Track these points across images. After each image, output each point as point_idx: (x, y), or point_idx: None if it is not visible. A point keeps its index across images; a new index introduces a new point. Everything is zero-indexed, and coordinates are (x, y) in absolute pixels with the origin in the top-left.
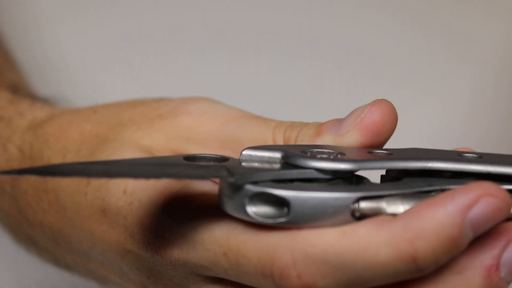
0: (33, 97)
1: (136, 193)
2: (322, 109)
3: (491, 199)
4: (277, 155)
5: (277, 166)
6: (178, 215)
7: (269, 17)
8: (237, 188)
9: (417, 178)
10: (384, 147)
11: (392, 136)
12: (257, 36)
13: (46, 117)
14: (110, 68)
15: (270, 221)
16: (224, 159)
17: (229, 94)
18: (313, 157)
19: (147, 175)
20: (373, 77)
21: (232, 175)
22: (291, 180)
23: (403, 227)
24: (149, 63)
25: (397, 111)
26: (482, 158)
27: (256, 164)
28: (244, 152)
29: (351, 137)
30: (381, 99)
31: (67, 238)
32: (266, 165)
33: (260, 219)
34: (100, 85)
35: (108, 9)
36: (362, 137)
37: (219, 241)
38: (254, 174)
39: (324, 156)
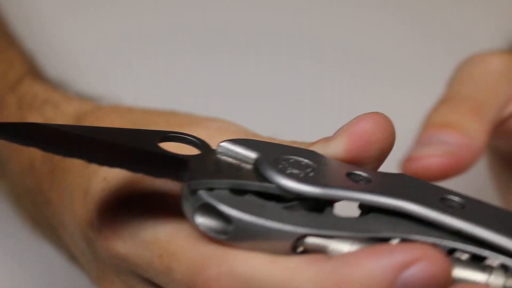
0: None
1: (111, 181)
2: (319, 108)
3: (428, 265)
4: (252, 155)
5: (249, 167)
6: (132, 208)
7: (266, 17)
8: (192, 192)
9: (384, 217)
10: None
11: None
12: (256, 37)
13: (91, 109)
14: (111, 69)
15: (212, 234)
16: (203, 144)
17: (229, 94)
18: (282, 171)
19: (101, 162)
20: (367, 77)
21: (190, 178)
22: (250, 192)
23: (333, 269)
24: (150, 63)
25: (394, 114)
26: (464, 208)
27: (229, 159)
28: (221, 144)
29: (338, 143)
30: (376, 112)
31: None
32: (239, 163)
33: (204, 230)
34: (103, 84)
35: (109, 9)
36: (349, 144)
37: (159, 242)
38: (212, 181)
39: (294, 171)
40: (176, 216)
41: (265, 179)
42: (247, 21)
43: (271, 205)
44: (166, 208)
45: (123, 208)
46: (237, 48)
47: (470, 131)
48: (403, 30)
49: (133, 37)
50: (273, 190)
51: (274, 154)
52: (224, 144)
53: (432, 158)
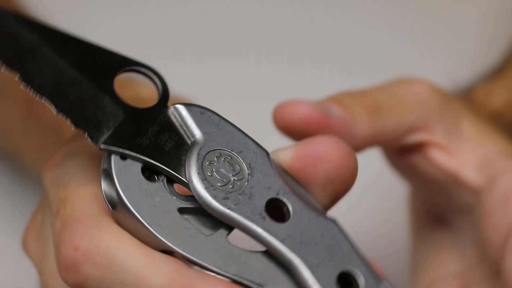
0: None
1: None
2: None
3: None
4: (196, 134)
5: (184, 144)
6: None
7: (264, 18)
8: (108, 153)
9: (272, 264)
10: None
11: None
12: (253, 37)
13: None
14: None
15: (106, 201)
16: (164, 93)
17: (228, 94)
18: (203, 171)
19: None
20: (344, 67)
21: (105, 140)
22: (163, 174)
23: (189, 275)
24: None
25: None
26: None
27: (175, 125)
28: (176, 106)
29: (289, 149)
30: (338, 139)
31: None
32: (181, 133)
33: (104, 193)
34: None
35: (109, 10)
36: (298, 152)
37: (69, 187)
38: (126, 151)
39: (216, 177)
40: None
41: (183, 168)
42: (244, 21)
43: (166, 199)
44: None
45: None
46: (233, 48)
47: (355, 115)
48: (377, 20)
49: (133, 38)
50: (183, 182)
51: (216, 142)
52: (178, 106)
53: (304, 106)
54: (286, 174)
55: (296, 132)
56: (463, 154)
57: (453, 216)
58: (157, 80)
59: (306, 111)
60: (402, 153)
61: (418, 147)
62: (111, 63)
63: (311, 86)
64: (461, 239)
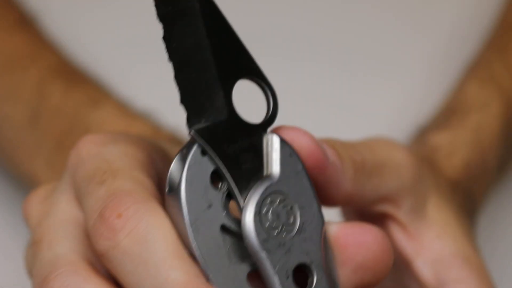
0: None
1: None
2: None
3: None
4: (275, 171)
5: (264, 173)
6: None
7: (262, 18)
8: (191, 139)
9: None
10: None
11: (356, 116)
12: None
13: None
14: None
15: (167, 181)
16: (273, 112)
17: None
18: (258, 205)
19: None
20: (326, 62)
21: (198, 130)
22: (224, 185)
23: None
24: (164, 70)
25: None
26: None
27: (263, 152)
28: (274, 136)
29: (332, 227)
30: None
31: None
32: (264, 161)
33: (168, 173)
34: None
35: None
36: (339, 235)
37: (114, 162)
38: (208, 147)
39: (265, 211)
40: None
41: (246, 193)
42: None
43: (217, 210)
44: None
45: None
46: None
47: (345, 166)
48: (352, 12)
49: (138, 40)
50: (239, 205)
51: (287, 187)
52: (274, 138)
53: (309, 138)
54: (328, 248)
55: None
56: (422, 241)
57: None
58: (271, 102)
59: (310, 144)
60: (364, 220)
61: (381, 219)
62: (243, 65)
63: (307, 85)
64: None
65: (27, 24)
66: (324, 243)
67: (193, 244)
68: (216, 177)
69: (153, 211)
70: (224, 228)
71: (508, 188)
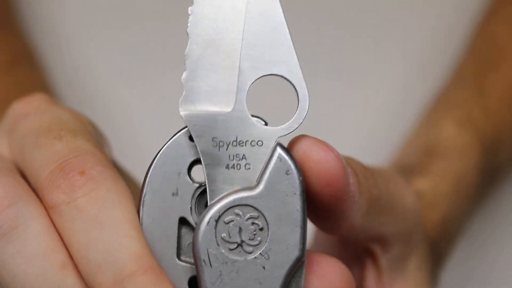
0: None
1: None
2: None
3: None
4: (261, 186)
5: (252, 183)
6: None
7: None
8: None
9: None
10: None
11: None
12: None
13: None
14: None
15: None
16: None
17: None
18: (222, 213)
19: None
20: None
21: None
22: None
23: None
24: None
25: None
26: None
27: (263, 159)
28: (281, 151)
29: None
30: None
31: None
32: (259, 169)
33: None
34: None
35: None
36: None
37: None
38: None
39: (226, 220)
40: None
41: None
42: None
43: (183, 201)
44: None
45: None
46: None
47: (361, 201)
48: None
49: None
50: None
51: (267, 207)
52: (280, 151)
53: (336, 161)
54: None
55: (310, 173)
56: None
57: None
58: (299, 110)
59: (335, 169)
60: (346, 249)
61: (363, 254)
62: (279, 61)
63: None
64: None
65: (18, 66)
66: (295, 277)
67: (141, 217)
68: (196, 166)
69: (115, 177)
70: (184, 221)
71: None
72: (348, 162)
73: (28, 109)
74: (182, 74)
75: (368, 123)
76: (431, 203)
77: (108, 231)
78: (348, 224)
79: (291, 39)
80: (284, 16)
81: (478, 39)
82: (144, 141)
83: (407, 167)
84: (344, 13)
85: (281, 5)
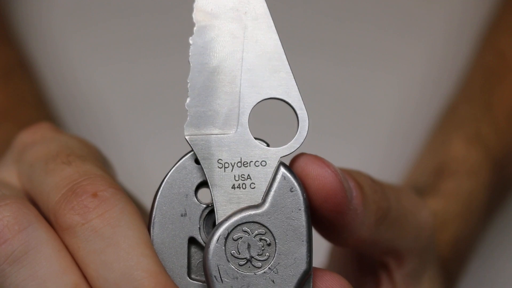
0: None
1: None
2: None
3: None
4: (266, 204)
5: (257, 201)
6: None
7: None
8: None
9: None
10: None
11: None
12: None
13: None
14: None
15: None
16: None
17: None
18: (231, 230)
19: None
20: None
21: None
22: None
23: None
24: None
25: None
26: None
27: (267, 179)
28: (283, 169)
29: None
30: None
31: None
32: (262, 188)
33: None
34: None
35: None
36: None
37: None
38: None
39: (235, 237)
40: None
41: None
42: None
43: (191, 220)
44: None
45: None
46: None
47: (367, 214)
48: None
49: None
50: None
51: (273, 223)
52: (283, 169)
53: (333, 177)
54: None
55: (309, 189)
56: None
57: None
58: (299, 131)
59: (332, 184)
60: (360, 262)
61: (378, 268)
62: (278, 85)
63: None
64: None
65: (12, 76)
66: None
67: (152, 238)
68: (203, 188)
69: (127, 199)
70: (193, 241)
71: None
72: (353, 176)
73: (34, 138)
74: (186, 100)
75: (376, 140)
76: (442, 223)
77: (124, 250)
78: (355, 236)
79: (288, 63)
80: (281, 41)
81: (485, 53)
82: (149, 165)
83: (418, 187)
84: (352, 30)
85: (278, 32)
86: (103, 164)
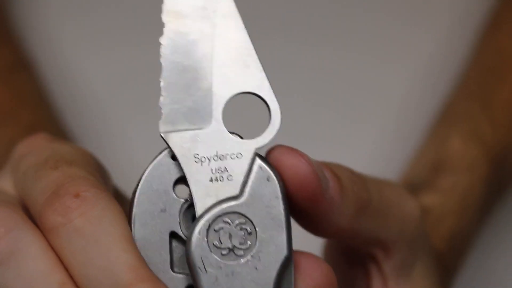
0: None
1: None
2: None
3: None
4: (245, 194)
5: (235, 192)
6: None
7: None
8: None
9: None
10: None
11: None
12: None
13: None
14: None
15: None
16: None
17: None
18: (211, 222)
19: None
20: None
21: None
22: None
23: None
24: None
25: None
26: None
27: (243, 171)
28: (257, 159)
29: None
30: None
31: None
32: (240, 180)
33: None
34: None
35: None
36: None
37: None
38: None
39: (216, 228)
40: None
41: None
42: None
43: (170, 217)
44: None
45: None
46: None
47: (345, 204)
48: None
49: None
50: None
51: (253, 212)
52: (257, 160)
53: (305, 166)
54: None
55: (284, 178)
56: None
57: None
58: (271, 121)
59: (305, 172)
60: (348, 255)
61: (366, 261)
62: (248, 79)
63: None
64: None
65: (14, 73)
66: (286, 274)
67: (133, 234)
68: (182, 184)
69: (109, 198)
70: (174, 235)
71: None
72: (330, 167)
73: (30, 148)
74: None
75: (374, 137)
76: (438, 218)
77: (105, 247)
78: (334, 226)
79: (258, 57)
80: (250, 37)
81: (483, 51)
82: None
83: (415, 183)
84: (347, 26)
85: (246, 28)
86: (94, 169)
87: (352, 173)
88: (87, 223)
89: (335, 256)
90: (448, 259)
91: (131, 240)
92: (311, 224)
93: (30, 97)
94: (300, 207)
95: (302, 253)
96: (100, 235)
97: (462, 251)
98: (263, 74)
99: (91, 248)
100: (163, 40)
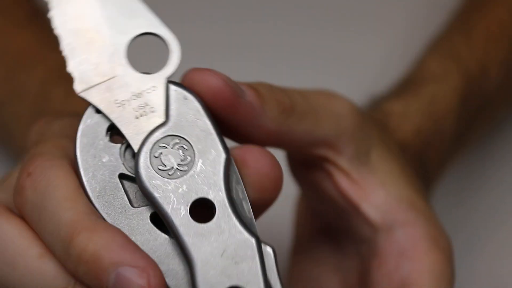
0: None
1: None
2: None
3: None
4: (171, 117)
5: (160, 120)
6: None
7: None
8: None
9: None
10: None
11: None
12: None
13: None
14: None
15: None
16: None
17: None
18: (150, 151)
19: None
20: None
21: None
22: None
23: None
24: None
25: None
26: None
27: (160, 101)
28: (170, 85)
29: None
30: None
31: None
32: (161, 109)
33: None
34: None
35: None
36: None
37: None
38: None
39: (156, 155)
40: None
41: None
42: None
43: (114, 162)
44: None
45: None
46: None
47: (267, 107)
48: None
49: None
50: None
51: (183, 130)
52: (170, 86)
53: (216, 78)
54: (238, 176)
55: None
56: (366, 187)
57: (342, 237)
58: (170, 53)
59: (217, 84)
60: (306, 165)
61: (322, 164)
62: (138, 22)
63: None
64: (345, 262)
65: (36, 19)
66: (231, 172)
67: (86, 188)
68: (115, 132)
69: (57, 166)
70: (124, 176)
71: (467, 160)
72: (246, 83)
73: (30, 133)
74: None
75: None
76: (401, 117)
77: (51, 212)
78: (261, 128)
79: (142, 2)
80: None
81: None
82: None
83: (384, 96)
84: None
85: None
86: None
87: (270, 85)
88: (37, 195)
89: (296, 170)
90: (418, 150)
91: (76, 197)
92: (240, 132)
93: (54, 40)
94: (222, 117)
95: (246, 147)
96: (46, 204)
97: (435, 147)
98: (151, 14)
99: (44, 216)
100: (52, 13)
